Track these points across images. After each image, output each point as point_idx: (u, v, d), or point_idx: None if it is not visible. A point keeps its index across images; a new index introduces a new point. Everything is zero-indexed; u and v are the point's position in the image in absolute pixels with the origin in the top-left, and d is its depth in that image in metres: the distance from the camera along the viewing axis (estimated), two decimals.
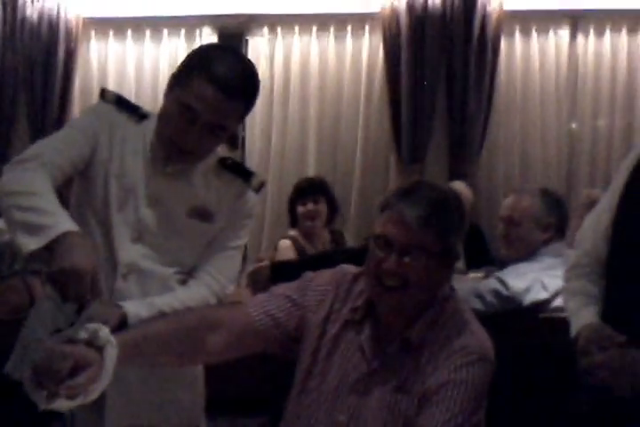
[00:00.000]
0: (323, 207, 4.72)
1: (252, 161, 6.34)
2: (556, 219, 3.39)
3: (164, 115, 2.21)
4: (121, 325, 2.06)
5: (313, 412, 1.96)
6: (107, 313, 2.05)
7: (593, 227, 2.49)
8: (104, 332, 1.71)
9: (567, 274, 2.74)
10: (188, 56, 2.20)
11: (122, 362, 1.71)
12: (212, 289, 2.32)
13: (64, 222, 1.87)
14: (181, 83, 2.14)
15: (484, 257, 5.02)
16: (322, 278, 2.08)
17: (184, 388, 2.38)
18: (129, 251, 2.26)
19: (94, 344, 1.68)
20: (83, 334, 1.69)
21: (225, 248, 2.36)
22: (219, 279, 2.34)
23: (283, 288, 2.09)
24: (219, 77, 2.08)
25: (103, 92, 2.33)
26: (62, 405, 1.62)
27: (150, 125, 2.29)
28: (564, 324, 2.64)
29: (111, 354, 1.69)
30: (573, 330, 2.52)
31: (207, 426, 2.51)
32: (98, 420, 2.25)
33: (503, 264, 3.56)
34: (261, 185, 2.39)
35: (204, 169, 2.32)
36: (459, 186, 5.43)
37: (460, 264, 4.87)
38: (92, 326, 1.72)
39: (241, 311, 2.03)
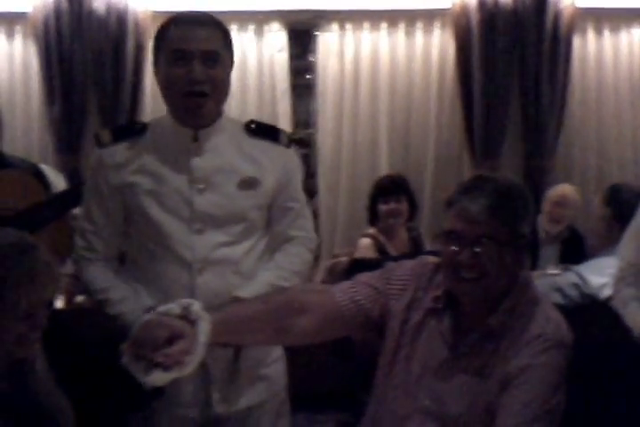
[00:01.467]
0: (404, 205, 4.72)
1: (323, 158, 6.30)
2: None
3: (163, 82, 2.32)
4: None
5: (399, 395, 2.02)
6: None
7: (634, 238, 2.58)
8: (196, 307, 1.78)
9: (615, 287, 2.82)
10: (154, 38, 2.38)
11: (213, 339, 1.78)
12: (305, 246, 2.47)
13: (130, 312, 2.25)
14: (160, 45, 2.33)
15: (580, 261, 4.95)
16: (404, 268, 2.14)
17: (269, 365, 2.45)
18: (196, 245, 2.31)
19: (187, 318, 1.76)
20: (176, 309, 1.78)
21: (294, 210, 2.46)
22: (305, 235, 2.47)
23: (366, 277, 2.14)
24: (182, 18, 2.36)
25: (97, 137, 2.39)
26: (160, 377, 1.69)
27: (156, 127, 2.39)
28: None
29: (204, 328, 1.75)
30: (636, 330, 2.57)
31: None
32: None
33: None
34: (290, 139, 2.48)
35: (232, 139, 2.39)
36: (567, 189, 5.36)
37: (554, 265, 4.81)
38: (184, 301, 1.81)
39: (328, 297, 2.09)
